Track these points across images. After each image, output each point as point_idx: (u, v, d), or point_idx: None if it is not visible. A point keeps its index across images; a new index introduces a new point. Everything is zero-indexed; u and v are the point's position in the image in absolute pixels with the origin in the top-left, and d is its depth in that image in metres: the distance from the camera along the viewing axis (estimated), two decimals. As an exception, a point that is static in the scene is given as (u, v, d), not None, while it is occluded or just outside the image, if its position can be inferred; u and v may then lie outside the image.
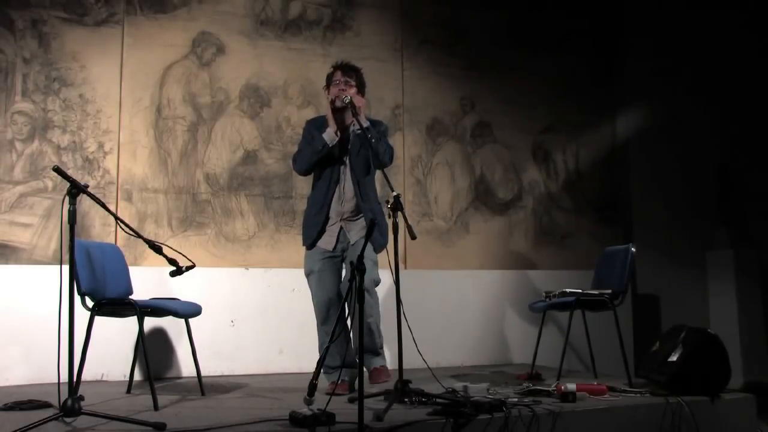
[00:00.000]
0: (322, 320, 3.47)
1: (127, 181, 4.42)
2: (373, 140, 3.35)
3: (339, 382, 3.28)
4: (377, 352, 3.50)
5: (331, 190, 3.47)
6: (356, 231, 3.49)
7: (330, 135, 3.43)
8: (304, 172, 3.58)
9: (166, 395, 3.35)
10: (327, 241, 3.49)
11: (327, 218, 3.48)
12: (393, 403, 2.84)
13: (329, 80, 3.57)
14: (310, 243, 3.51)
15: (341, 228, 3.48)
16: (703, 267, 6.01)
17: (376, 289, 3.54)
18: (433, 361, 3.62)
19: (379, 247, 3.44)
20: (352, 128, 3.49)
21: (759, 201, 5.99)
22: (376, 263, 3.42)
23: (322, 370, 3.37)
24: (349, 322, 3.36)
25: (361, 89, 3.56)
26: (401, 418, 2.66)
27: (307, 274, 3.52)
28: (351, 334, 3.40)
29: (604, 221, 5.73)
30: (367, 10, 5.14)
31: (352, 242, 3.48)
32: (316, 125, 3.56)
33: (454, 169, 5.31)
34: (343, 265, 3.55)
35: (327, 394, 3.16)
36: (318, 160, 3.46)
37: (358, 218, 3.48)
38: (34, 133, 4.25)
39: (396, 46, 5.21)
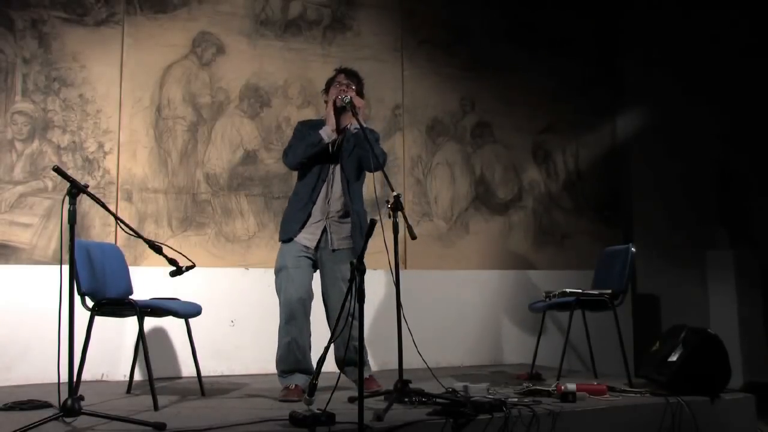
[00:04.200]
0: (288, 318, 3.31)
1: (127, 181, 4.42)
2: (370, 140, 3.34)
3: (293, 387, 3.24)
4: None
5: (318, 188, 3.41)
6: (340, 237, 3.41)
7: (327, 132, 3.39)
8: (295, 166, 3.49)
9: (166, 395, 3.35)
10: (309, 239, 3.40)
11: (310, 215, 3.40)
12: (393, 403, 2.84)
13: (329, 83, 3.57)
14: (288, 237, 3.41)
15: (325, 228, 3.41)
16: (703, 267, 6.01)
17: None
18: (433, 361, 3.62)
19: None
20: (348, 128, 3.47)
21: (759, 201, 5.99)
22: None
23: (277, 374, 3.37)
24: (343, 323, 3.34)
25: (359, 95, 3.53)
26: (401, 418, 2.66)
27: (278, 270, 3.39)
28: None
29: (604, 221, 5.74)
30: (367, 10, 5.14)
31: (333, 248, 3.40)
32: (308, 126, 3.54)
33: (454, 169, 5.31)
34: (316, 268, 3.46)
35: (280, 400, 3.17)
36: (311, 156, 3.39)
37: (345, 222, 3.42)
38: (34, 133, 4.25)
39: (396, 46, 5.21)
